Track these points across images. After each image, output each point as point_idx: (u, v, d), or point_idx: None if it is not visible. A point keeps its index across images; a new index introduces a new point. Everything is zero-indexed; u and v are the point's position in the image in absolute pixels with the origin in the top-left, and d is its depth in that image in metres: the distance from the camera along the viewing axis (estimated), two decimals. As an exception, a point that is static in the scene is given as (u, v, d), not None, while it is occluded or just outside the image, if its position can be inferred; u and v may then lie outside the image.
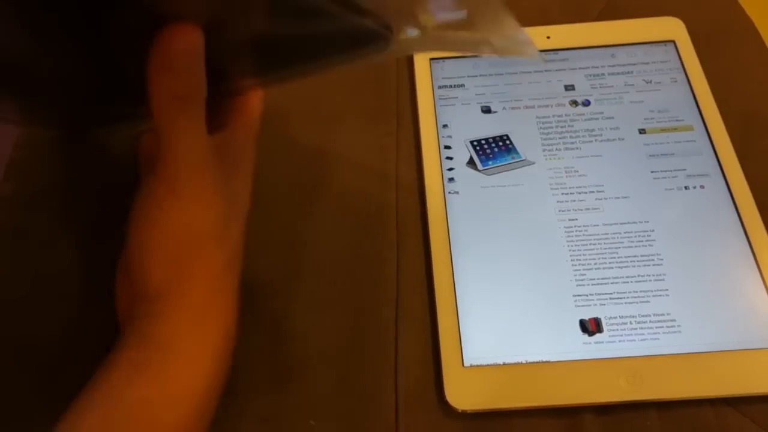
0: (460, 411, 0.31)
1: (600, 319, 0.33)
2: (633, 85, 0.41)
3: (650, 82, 0.41)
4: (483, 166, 0.38)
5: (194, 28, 0.23)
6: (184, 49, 0.23)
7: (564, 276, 0.35)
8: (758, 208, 0.36)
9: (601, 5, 0.46)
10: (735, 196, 0.36)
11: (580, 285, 0.34)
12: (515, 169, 0.38)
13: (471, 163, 0.39)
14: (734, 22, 0.45)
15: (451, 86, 0.41)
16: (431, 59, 0.42)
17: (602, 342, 0.33)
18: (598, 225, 0.36)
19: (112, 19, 0.22)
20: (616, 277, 0.34)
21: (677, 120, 0.40)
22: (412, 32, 0.25)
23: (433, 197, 0.37)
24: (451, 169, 0.38)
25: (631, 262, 0.35)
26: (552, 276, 0.35)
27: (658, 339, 0.33)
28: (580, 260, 0.35)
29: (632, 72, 0.42)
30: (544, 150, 0.39)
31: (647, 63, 0.42)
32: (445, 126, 0.40)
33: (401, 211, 0.38)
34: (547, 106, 0.41)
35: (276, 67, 0.27)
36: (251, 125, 0.29)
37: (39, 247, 0.36)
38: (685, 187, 0.37)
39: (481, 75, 0.42)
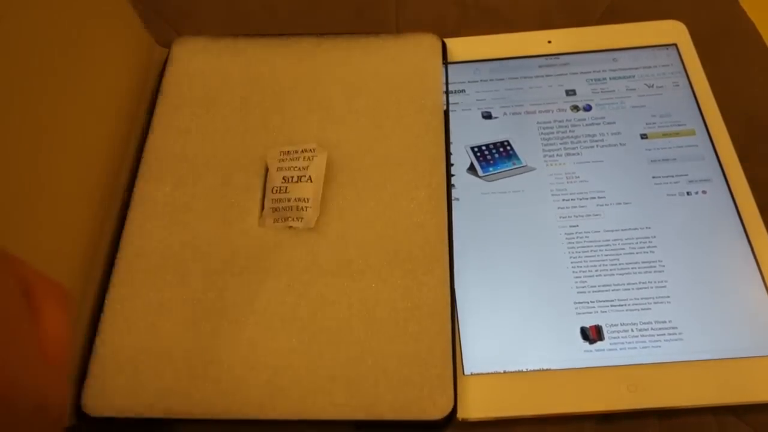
0: (460, 420, 0.31)
1: (601, 326, 0.33)
2: (635, 89, 0.41)
3: (652, 86, 0.41)
4: (483, 172, 0.38)
5: None
6: None
7: (565, 283, 0.34)
8: (761, 214, 0.36)
9: (603, 9, 0.46)
10: (737, 202, 0.36)
11: (581, 292, 0.34)
12: (516, 175, 0.38)
13: (471, 169, 0.39)
14: (736, 26, 0.44)
15: (451, 92, 0.41)
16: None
17: (603, 350, 0.33)
18: (599, 231, 0.36)
19: None
20: (618, 284, 0.34)
21: (679, 124, 0.39)
22: None
23: (434, 204, 0.37)
24: (451, 176, 0.38)
25: (632, 268, 0.35)
26: (553, 283, 0.35)
27: (659, 347, 0.32)
28: (581, 267, 0.35)
29: (634, 76, 0.42)
30: (545, 156, 0.39)
31: (649, 67, 0.42)
32: (445, 132, 0.40)
33: (402, 218, 0.38)
34: (548, 111, 0.40)
35: None
36: None
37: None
38: (687, 193, 0.37)
39: (481, 80, 0.42)
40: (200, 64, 0.41)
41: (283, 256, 0.34)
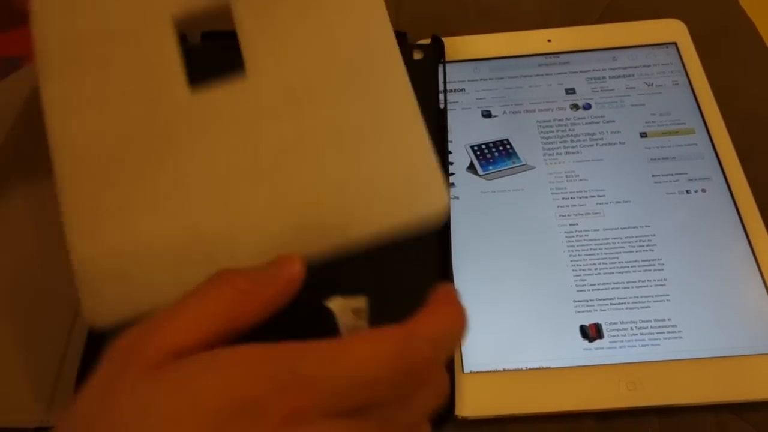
0: (460, 418, 0.31)
1: (600, 324, 0.33)
2: (634, 88, 0.41)
3: (651, 85, 0.41)
4: (483, 170, 0.38)
5: None
6: None
7: (564, 281, 0.34)
8: (760, 212, 0.36)
9: (602, 7, 0.46)
10: (737, 200, 0.36)
11: (580, 290, 0.34)
12: (516, 173, 0.38)
13: (471, 167, 0.39)
14: (736, 24, 0.45)
15: (451, 90, 0.41)
16: (432, 63, 0.42)
17: (603, 348, 0.33)
18: (598, 230, 0.36)
19: None
20: (617, 283, 0.34)
21: (679, 123, 0.39)
22: None
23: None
24: (451, 174, 0.38)
25: (631, 267, 0.35)
26: (552, 281, 0.35)
27: (658, 345, 0.32)
28: (580, 265, 0.35)
29: (633, 75, 0.42)
30: (544, 154, 0.39)
31: (649, 66, 0.42)
32: (445, 130, 0.40)
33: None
34: (547, 109, 0.40)
35: None
36: None
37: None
38: (687, 191, 0.37)
39: (481, 79, 0.42)
40: None
41: (226, 118, 0.30)
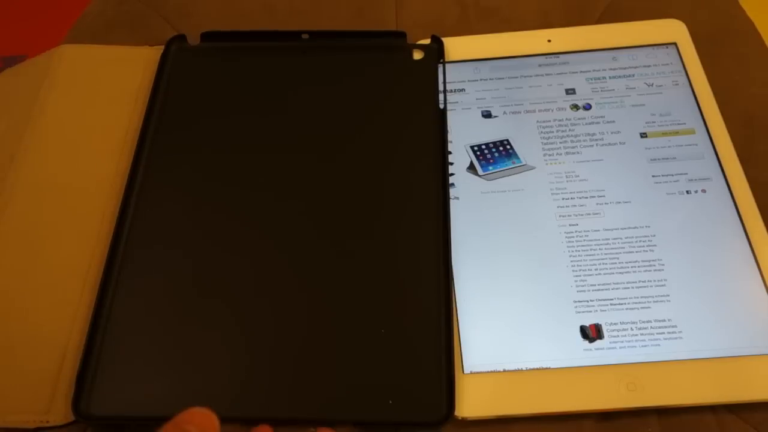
0: (460, 418, 0.31)
1: (600, 325, 0.33)
2: (634, 88, 0.41)
3: (652, 85, 0.41)
4: (483, 171, 0.38)
5: None
6: None
7: (564, 282, 0.34)
8: (760, 213, 0.36)
9: (602, 8, 0.46)
10: (737, 201, 0.36)
11: (580, 291, 0.34)
12: (516, 174, 0.38)
13: (471, 168, 0.39)
14: (736, 24, 0.44)
15: (451, 91, 0.41)
16: (432, 63, 0.42)
17: (603, 348, 0.33)
18: (598, 230, 0.36)
19: None
20: (617, 283, 0.34)
21: (679, 123, 0.39)
22: None
23: (434, 202, 0.37)
24: (451, 174, 0.38)
25: (632, 267, 0.35)
26: (552, 282, 0.35)
27: (659, 345, 0.32)
28: (580, 266, 0.35)
29: (633, 75, 0.42)
30: (544, 154, 0.39)
31: (649, 66, 0.42)
32: (445, 131, 0.40)
33: (401, 217, 0.38)
34: (547, 110, 0.40)
35: None
36: None
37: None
38: (687, 192, 0.37)
39: (481, 79, 0.42)
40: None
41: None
